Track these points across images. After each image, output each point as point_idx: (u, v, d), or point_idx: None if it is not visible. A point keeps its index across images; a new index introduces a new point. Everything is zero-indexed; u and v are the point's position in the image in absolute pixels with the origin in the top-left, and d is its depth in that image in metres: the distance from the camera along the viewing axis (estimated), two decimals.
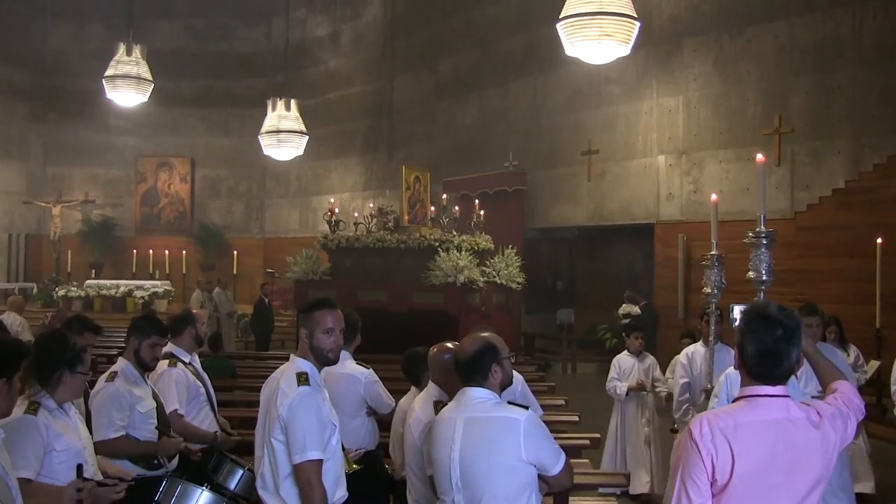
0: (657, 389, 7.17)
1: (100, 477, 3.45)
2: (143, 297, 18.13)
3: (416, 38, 18.48)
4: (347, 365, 4.80)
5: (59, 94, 21.68)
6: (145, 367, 4.38)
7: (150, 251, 20.46)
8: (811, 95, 11.56)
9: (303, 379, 3.34)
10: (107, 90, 13.32)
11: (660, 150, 13.38)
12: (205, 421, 4.83)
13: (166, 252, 20.22)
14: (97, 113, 20.64)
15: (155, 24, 20.64)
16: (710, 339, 4.92)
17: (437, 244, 11.29)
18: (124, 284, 18.62)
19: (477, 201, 12.78)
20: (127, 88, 13.11)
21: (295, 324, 3.71)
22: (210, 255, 21.40)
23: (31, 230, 21.70)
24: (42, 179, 21.99)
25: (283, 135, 15.07)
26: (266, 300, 14.88)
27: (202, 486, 3.86)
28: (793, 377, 2.68)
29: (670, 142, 13.23)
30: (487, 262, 11.82)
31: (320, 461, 3.27)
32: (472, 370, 3.22)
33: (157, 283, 18.91)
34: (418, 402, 3.81)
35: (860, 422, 2.63)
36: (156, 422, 4.30)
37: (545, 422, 3.32)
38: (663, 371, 7.29)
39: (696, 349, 6.29)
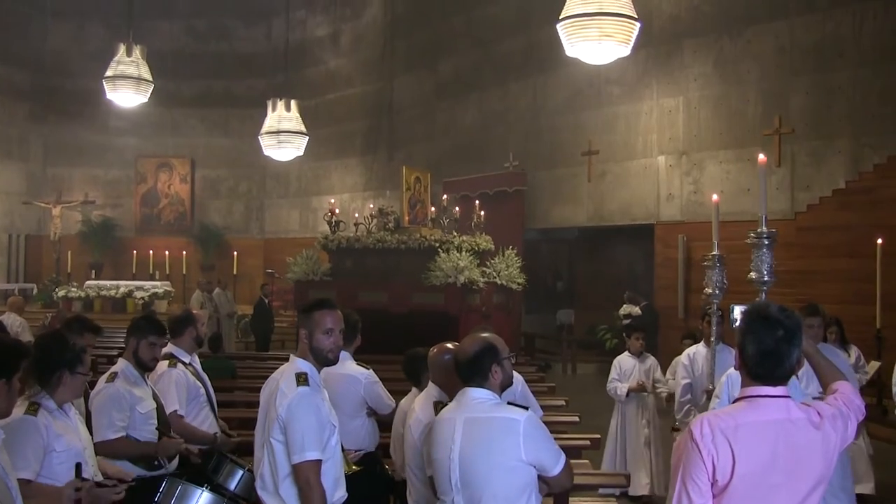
0: (658, 390, 7.16)
1: (100, 478, 3.44)
2: (143, 298, 18.14)
3: (416, 39, 18.48)
4: (347, 365, 4.80)
5: (59, 94, 21.69)
6: (144, 368, 4.37)
7: (150, 252, 20.46)
8: (811, 96, 11.56)
9: (302, 379, 3.34)
10: (107, 91, 13.33)
11: (660, 150, 13.38)
12: (205, 422, 4.82)
13: (166, 253, 20.22)
14: (97, 113, 20.66)
15: (155, 25, 20.66)
16: (712, 339, 4.91)
17: (437, 245, 11.28)
18: (124, 285, 18.64)
19: (477, 202, 12.77)
20: (127, 89, 13.13)
21: (295, 324, 3.71)
22: (210, 255, 21.41)
23: (31, 231, 21.70)
24: (42, 180, 21.99)
25: (283, 135, 15.08)
26: (266, 301, 14.87)
27: (202, 486, 3.86)
28: (794, 378, 2.68)
29: (670, 142, 13.23)
30: (488, 263, 11.81)
31: (319, 461, 3.26)
32: (473, 371, 3.22)
33: (157, 283, 18.92)
34: (418, 403, 3.81)
35: (860, 422, 2.63)
36: (156, 422, 4.29)
37: (545, 422, 3.32)
38: (664, 372, 7.29)
39: (698, 350, 6.29)
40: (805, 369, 3.86)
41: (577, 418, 6.78)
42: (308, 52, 21.13)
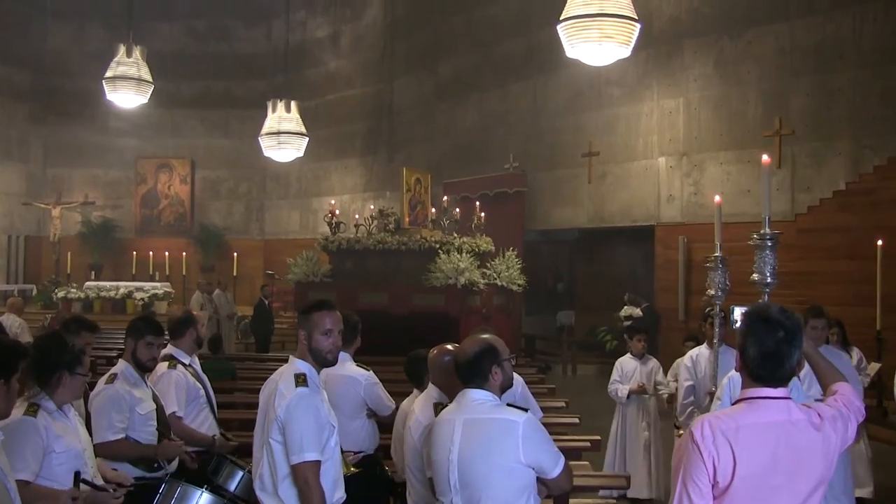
0: (659, 392, 7.15)
1: (99, 479, 3.44)
2: (142, 299, 18.15)
3: (416, 40, 18.48)
4: (347, 367, 4.80)
5: (59, 95, 21.69)
6: (143, 368, 4.35)
7: (150, 253, 20.47)
8: (812, 97, 11.56)
9: (301, 380, 3.34)
10: (107, 91, 13.32)
11: (660, 151, 13.37)
12: (204, 423, 4.81)
13: (166, 254, 20.23)
14: (97, 114, 20.67)
15: (155, 26, 20.67)
16: (715, 341, 4.90)
17: (437, 246, 11.27)
18: (124, 286, 18.64)
19: (477, 203, 12.76)
20: (127, 90, 13.12)
21: (295, 325, 3.70)
22: (210, 256, 21.40)
23: (30, 232, 21.70)
24: (42, 181, 21.99)
25: (283, 136, 15.08)
26: (266, 302, 14.86)
27: (202, 487, 3.85)
28: (796, 379, 2.68)
29: (671, 143, 13.22)
30: (488, 264, 11.80)
31: (318, 462, 3.26)
32: (472, 372, 3.21)
33: (157, 284, 18.93)
34: (418, 404, 3.80)
35: (860, 424, 2.63)
36: (156, 424, 4.28)
37: (545, 424, 3.31)
38: (666, 374, 7.27)
39: (701, 352, 6.28)
40: (807, 371, 3.85)
41: (577, 420, 6.78)
42: (308, 53, 21.13)
